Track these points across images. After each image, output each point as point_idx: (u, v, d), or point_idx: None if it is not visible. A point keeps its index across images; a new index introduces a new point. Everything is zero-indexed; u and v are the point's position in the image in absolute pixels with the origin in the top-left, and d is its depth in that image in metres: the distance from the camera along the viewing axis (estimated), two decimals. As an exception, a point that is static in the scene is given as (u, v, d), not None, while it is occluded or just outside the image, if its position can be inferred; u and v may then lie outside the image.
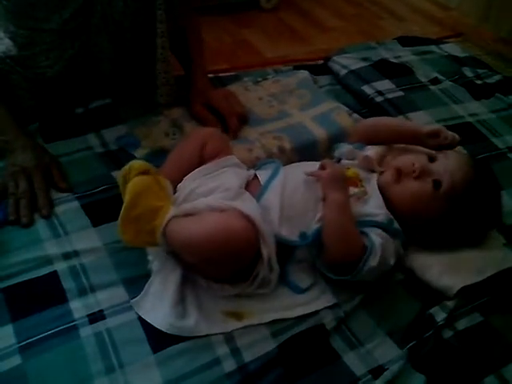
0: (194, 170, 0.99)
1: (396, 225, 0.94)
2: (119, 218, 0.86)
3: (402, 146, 1.08)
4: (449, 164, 0.96)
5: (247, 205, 0.89)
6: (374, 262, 0.88)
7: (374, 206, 0.94)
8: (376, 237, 0.89)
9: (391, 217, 0.94)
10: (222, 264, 0.85)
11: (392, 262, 0.92)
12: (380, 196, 0.96)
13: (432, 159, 0.98)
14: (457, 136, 1.05)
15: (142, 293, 0.88)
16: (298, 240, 0.91)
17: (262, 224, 0.86)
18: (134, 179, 0.87)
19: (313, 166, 1.00)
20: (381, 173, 1.01)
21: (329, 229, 0.89)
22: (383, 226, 0.92)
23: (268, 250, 0.86)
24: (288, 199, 0.93)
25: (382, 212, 0.94)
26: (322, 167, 0.94)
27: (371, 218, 0.93)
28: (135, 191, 0.86)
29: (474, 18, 2.23)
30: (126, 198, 0.85)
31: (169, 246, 0.86)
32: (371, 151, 1.04)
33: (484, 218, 0.98)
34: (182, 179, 0.97)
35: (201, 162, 1.01)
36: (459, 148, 1.24)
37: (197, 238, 0.82)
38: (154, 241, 0.86)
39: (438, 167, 0.95)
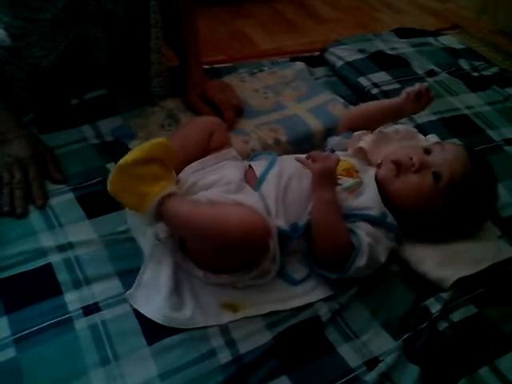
0: (198, 158, 0.98)
1: (390, 219, 0.94)
2: (118, 165, 0.84)
3: (397, 136, 1.08)
4: (445, 155, 0.95)
5: (251, 198, 0.89)
6: (361, 262, 0.87)
7: (368, 199, 0.94)
8: (365, 236, 0.89)
9: (385, 210, 0.93)
10: (233, 256, 0.86)
11: (382, 259, 0.91)
12: (375, 188, 0.96)
13: (428, 151, 0.97)
14: (423, 85, 1.04)
15: (134, 285, 0.88)
16: (289, 230, 0.90)
17: (267, 217, 0.87)
18: (161, 139, 0.86)
19: None
20: (378, 165, 1.00)
21: (316, 227, 0.89)
22: (376, 221, 0.92)
23: (273, 243, 0.86)
24: (283, 191, 0.93)
25: (375, 205, 0.93)
26: (311, 159, 0.92)
27: (364, 212, 0.92)
28: (154, 152, 0.85)
29: (472, 10, 2.22)
30: (140, 153, 0.83)
31: (166, 222, 0.85)
32: (364, 142, 1.03)
33: (481, 207, 0.98)
34: (183, 167, 0.96)
35: (207, 151, 1.01)
36: (455, 140, 1.25)
37: (220, 228, 0.81)
38: (140, 207, 0.84)
39: (435, 159, 0.95)
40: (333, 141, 1.09)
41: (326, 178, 0.90)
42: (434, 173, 0.93)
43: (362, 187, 0.96)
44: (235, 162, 1.01)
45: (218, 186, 0.92)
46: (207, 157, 1.00)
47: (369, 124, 1.09)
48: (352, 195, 0.94)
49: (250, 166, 1.00)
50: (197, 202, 0.88)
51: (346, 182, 0.95)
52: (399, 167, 0.96)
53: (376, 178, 0.97)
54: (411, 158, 0.95)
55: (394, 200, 0.95)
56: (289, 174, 0.95)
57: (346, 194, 0.93)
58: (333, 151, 1.03)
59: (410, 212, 0.95)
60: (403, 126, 1.15)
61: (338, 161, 0.92)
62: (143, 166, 0.84)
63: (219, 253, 0.85)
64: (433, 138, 1.18)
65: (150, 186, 0.84)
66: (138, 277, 0.88)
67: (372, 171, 1.00)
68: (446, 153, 0.96)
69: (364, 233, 0.89)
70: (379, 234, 0.91)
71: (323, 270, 0.91)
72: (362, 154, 1.03)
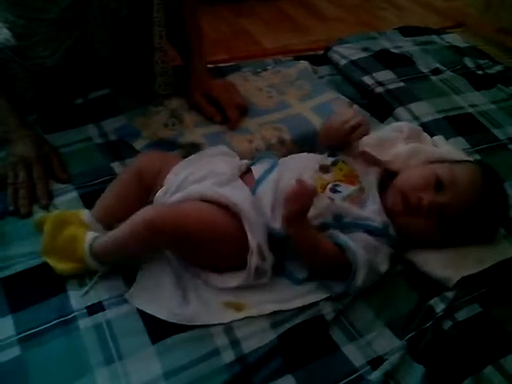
0: (141, 202, 0.95)
1: (391, 231, 0.93)
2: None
3: (402, 135, 1.06)
4: (457, 192, 0.91)
5: (237, 193, 0.90)
6: (359, 279, 0.86)
7: (371, 211, 0.92)
8: (361, 252, 0.87)
9: (387, 221, 0.92)
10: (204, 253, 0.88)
11: (384, 268, 0.90)
12: (378, 199, 0.94)
13: (440, 185, 0.92)
14: (356, 121, 0.97)
15: (134, 284, 0.88)
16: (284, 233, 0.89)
17: (249, 213, 0.87)
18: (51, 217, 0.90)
19: (309, 157, 1.02)
20: (385, 166, 0.99)
21: (305, 259, 0.90)
22: (378, 232, 0.91)
23: (257, 240, 0.86)
24: (282, 192, 0.91)
25: (378, 216, 0.92)
26: (288, 199, 0.83)
27: (366, 222, 0.91)
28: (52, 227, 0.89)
29: (476, 8, 2.22)
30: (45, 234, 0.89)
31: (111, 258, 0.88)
32: (365, 146, 1.00)
33: (489, 231, 0.98)
34: (131, 214, 0.92)
35: (144, 192, 0.98)
36: (459, 139, 1.24)
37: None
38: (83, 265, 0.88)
39: (445, 198, 0.91)
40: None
41: (301, 217, 0.85)
42: (439, 217, 0.91)
43: (365, 195, 0.94)
44: (226, 158, 1.01)
45: (210, 178, 0.93)
46: (195, 154, 1.02)
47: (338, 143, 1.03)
48: (355, 204, 0.93)
49: (250, 169, 0.99)
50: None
51: (347, 189, 0.94)
52: (407, 204, 0.92)
53: (386, 210, 0.94)
54: (421, 199, 0.91)
55: (398, 227, 0.94)
56: (288, 177, 0.93)
57: (348, 202, 0.92)
58: (333, 152, 1.03)
59: (412, 239, 0.95)
60: (407, 124, 1.13)
61: (313, 194, 0.85)
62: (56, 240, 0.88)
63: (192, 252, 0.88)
64: (439, 139, 1.17)
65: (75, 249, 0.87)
66: (138, 276, 0.89)
67: (373, 175, 0.98)
68: (458, 187, 0.91)
69: (361, 246, 0.88)
70: (379, 244, 0.90)
71: (326, 281, 0.90)
72: (364, 155, 1.00)
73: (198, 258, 0.90)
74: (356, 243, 0.88)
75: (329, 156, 1.01)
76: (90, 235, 0.88)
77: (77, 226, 0.90)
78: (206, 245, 0.87)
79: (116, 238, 0.86)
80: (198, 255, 0.89)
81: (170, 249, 0.89)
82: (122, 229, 0.86)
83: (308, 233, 0.87)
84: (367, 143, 1.01)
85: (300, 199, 0.83)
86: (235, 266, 0.89)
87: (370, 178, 0.97)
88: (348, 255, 0.87)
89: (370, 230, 0.90)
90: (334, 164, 0.98)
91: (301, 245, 0.87)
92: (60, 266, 0.87)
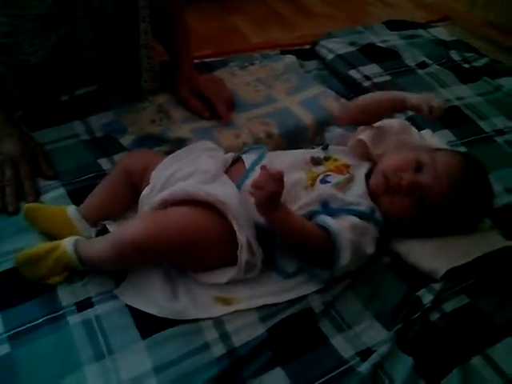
0: (129, 200, 0.98)
1: (378, 215, 0.93)
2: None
3: (392, 130, 1.07)
4: (437, 174, 0.92)
5: (223, 189, 0.90)
6: (344, 260, 0.86)
7: (356, 195, 0.93)
8: (345, 233, 0.86)
9: (373, 205, 0.93)
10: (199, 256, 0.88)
11: (370, 250, 0.91)
12: (364, 185, 0.95)
13: (419, 168, 0.93)
14: (440, 105, 0.96)
15: (124, 280, 0.88)
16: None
17: (236, 209, 0.87)
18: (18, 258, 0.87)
19: (300, 152, 1.02)
20: (376, 160, 1.00)
21: (287, 243, 0.89)
22: (365, 216, 0.91)
23: (246, 235, 0.86)
24: None
25: (363, 201, 0.93)
26: (255, 186, 0.82)
27: (353, 207, 0.92)
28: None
29: (463, 3, 2.23)
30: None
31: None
32: (363, 135, 1.01)
33: (473, 220, 0.98)
34: (119, 211, 0.97)
35: (132, 189, 0.99)
36: (445, 132, 1.25)
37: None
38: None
39: (425, 179, 0.92)
40: (333, 133, 1.08)
41: (272, 202, 0.83)
42: (420, 198, 0.92)
43: (352, 183, 0.95)
44: (211, 153, 1.01)
45: (195, 176, 0.93)
46: (180, 150, 1.01)
47: (374, 116, 1.05)
48: (341, 191, 0.93)
49: (241, 159, 1.00)
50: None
51: (335, 178, 0.95)
52: (388, 184, 0.93)
53: (369, 189, 0.96)
54: (401, 178, 0.92)
55: (382, 210, 0.94)
56: (278, 168, 0.93)
57: (334, 189, 0.93)
58: (327, 146, 1.03)
59: (396, 223, 0.95)
60: (396, 120, 1.14)
61: (282, 179, 0.82)
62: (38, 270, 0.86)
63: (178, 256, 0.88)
64: (427, 133, 1.18)
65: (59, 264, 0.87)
66: (128, 273, 0.89)
67: (364, 168, 0.99)
68: (438, 170, 0.92)
69: (347, 227, 0.87)
70: (366, 226, 0.91)
71: (312, 267, 0.91)
72: (360, 147, 1.01)
73: (188, 262, 0.89)
74: (341, 224, 0.88)
75: (322, 149, 1.02)
76: (69, 246, 0.86)
77: (50, 250, 0.87)
78: (194, 250, 0.87)
79: (102, 255, 0.86)
80: (187, 261, 0.89)
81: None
82: (106, 246, 0.86)
83: (286, 217, 0.85)
84: (364, 133, 1.01)
85: (267, 184, 0.81)
86: (225, 262, 0.89)
87: (361, 170, 0.98)
88: (331, 235, 0.87)
89: (357, 215, 0.91)
90: (326, 159, 0.99)
91: (281, 230, 0.87)
92: (57, 279, 0.87)
